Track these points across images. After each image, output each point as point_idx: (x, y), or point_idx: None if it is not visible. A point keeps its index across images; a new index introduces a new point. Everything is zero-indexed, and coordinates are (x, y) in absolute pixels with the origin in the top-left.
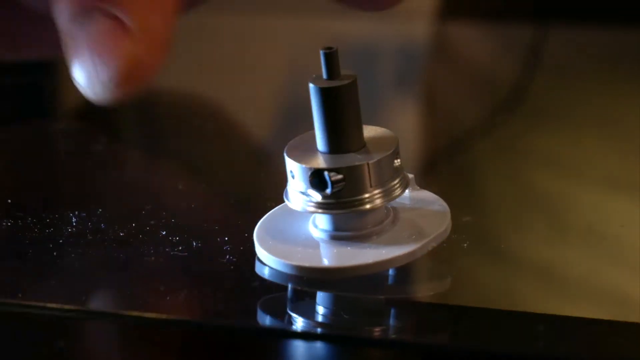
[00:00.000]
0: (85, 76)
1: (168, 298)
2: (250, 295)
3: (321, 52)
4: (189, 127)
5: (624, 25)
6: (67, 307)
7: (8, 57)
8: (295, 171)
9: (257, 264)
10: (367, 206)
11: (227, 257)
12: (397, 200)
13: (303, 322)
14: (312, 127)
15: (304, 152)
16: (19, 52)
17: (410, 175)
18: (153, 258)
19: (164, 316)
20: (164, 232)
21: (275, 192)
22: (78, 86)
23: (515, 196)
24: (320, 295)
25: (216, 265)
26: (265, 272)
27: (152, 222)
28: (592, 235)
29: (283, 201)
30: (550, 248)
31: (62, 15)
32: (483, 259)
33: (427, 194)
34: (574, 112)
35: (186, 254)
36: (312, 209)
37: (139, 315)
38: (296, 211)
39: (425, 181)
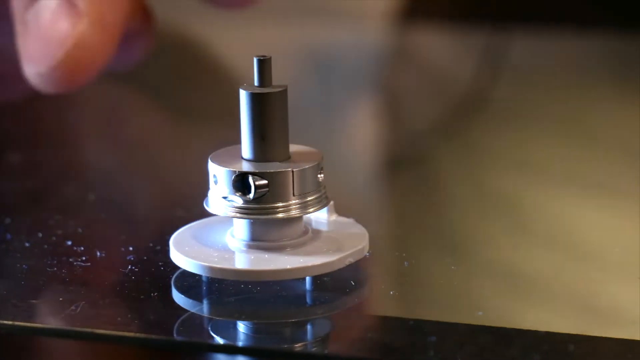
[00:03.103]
0: (35, 61)
1: (67, 309)
2: (153, 306)
3: (254, 59)
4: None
5: (586, 29)
6: None
7: None
8: (219, 175)
9: (164, 274)
10: (289, 214)
11: (130, 267)
12: (316, 223)
13: (208, 334)
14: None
15: (229, 159)
16: None
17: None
18: (55, 268)
19: (62, 327)
20: (70, 243)
21: (188, 205)
22: (28, 75)
23: (476, 200)
24: (234, 306)
25: (118, 276)
26: (173, 283)
27: (59, 232)
28: (555, 239)
29: (196, 214)
30: (511, 252)
31: (17, 4)
32: (437, 265)
33: (345, 219)
34: (535, 115)
35: (89, 264)
36: (232, 213)
37: (35, 326)
38: (214, 225)
39: (386, 185)
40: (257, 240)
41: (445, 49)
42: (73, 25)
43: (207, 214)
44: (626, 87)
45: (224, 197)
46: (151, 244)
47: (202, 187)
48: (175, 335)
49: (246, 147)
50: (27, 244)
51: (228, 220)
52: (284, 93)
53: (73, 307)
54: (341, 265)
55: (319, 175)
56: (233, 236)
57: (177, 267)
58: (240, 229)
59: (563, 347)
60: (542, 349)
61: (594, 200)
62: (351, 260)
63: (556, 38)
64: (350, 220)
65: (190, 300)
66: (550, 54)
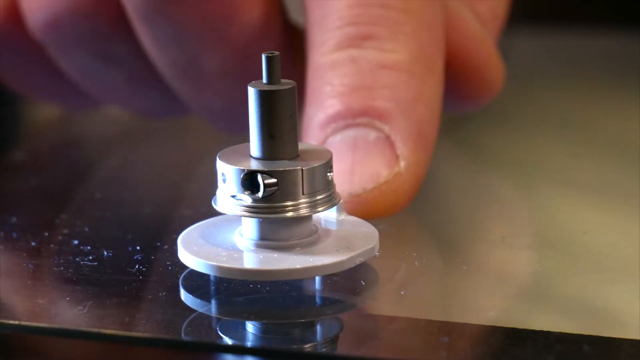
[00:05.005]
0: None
1: (74, 309)
2: (161, 306)
3: (263, 56)
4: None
5: (585, 28)
6: None
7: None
8: (227, 174)
9: (172, 274)
10: (298, 213)
11: (137, 266)
12: (326, 222)
13: (216, 335)
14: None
15: (237, 157)
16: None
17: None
18: (62, 268)
19: (69, 327)
20: (76, 242)
21: (196, 204)
22: None
23: (488, 200)
24: (243, 306)
25: (125, 275)
26: (180, 283)
27: (65, 232)
28: (568, 240)
29: (204, 213)
30: (524, 252)
31: (317, 123)
32: (448, 265)
33: (355, 219)
34: (535, 114)
35: (96, 263)
36: (241, 212)
37: (43, 326)
38: (222, 224)
39: None
40: (266, 240)
41: None
42: (389, 166)
43: (215, 213)
44: (625, 86)
45: (233, 196)
46: (159, 243)
47: (210, 186)
48: (183, 335)
49: (255, 145)
50: (33, 243)
51: (236, 219)
52: (292, 90)
53: (80, 307)
54: (351, 265)
55: (328, 174)
56: (242, 235)
57: (185, 267)
58: (249, 228)
59: (577, 347)
60: (555, 350)
61: (605, 202)
62: (361, 259)
63: (555, 37)
64: (360, 220)
65: (199, 300)
66: (550, 52)
